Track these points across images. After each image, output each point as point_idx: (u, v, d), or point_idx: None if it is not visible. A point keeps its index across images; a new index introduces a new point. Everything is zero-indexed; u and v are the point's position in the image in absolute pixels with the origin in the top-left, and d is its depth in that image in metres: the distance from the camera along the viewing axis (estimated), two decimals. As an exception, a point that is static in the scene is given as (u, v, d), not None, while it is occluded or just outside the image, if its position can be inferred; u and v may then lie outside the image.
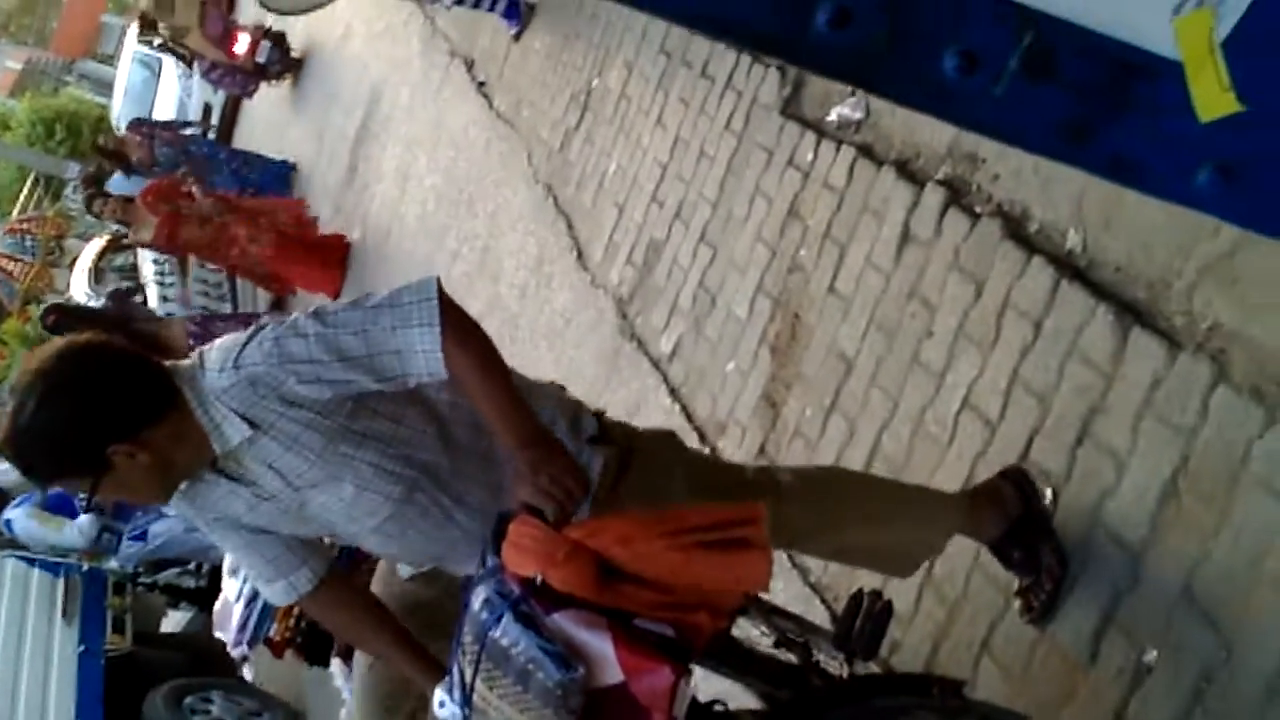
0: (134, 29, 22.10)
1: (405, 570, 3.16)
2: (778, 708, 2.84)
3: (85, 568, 9.40)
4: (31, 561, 9.25)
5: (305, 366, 2.78)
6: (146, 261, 14.12)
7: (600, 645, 2.30)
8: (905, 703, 2.76)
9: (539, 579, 2.38)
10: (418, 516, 2.95)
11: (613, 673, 2.29)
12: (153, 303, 13.72)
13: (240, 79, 16.52)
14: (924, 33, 1.55)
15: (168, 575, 11.29)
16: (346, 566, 4.00)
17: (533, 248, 7.52)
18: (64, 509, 9.35)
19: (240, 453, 2.86)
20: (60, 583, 9.10)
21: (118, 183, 14.81)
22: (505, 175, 8.30)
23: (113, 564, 9.75)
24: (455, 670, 2.44)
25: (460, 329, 2.78)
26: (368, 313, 2.79)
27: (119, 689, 8.32)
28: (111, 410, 2.76)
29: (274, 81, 16.70)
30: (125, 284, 15.10)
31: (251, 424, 2.81)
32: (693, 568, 2.36)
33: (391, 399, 2.87)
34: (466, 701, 2.39)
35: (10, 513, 9.37)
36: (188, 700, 8.46)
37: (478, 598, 2.39)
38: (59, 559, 9.56)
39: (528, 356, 7.09)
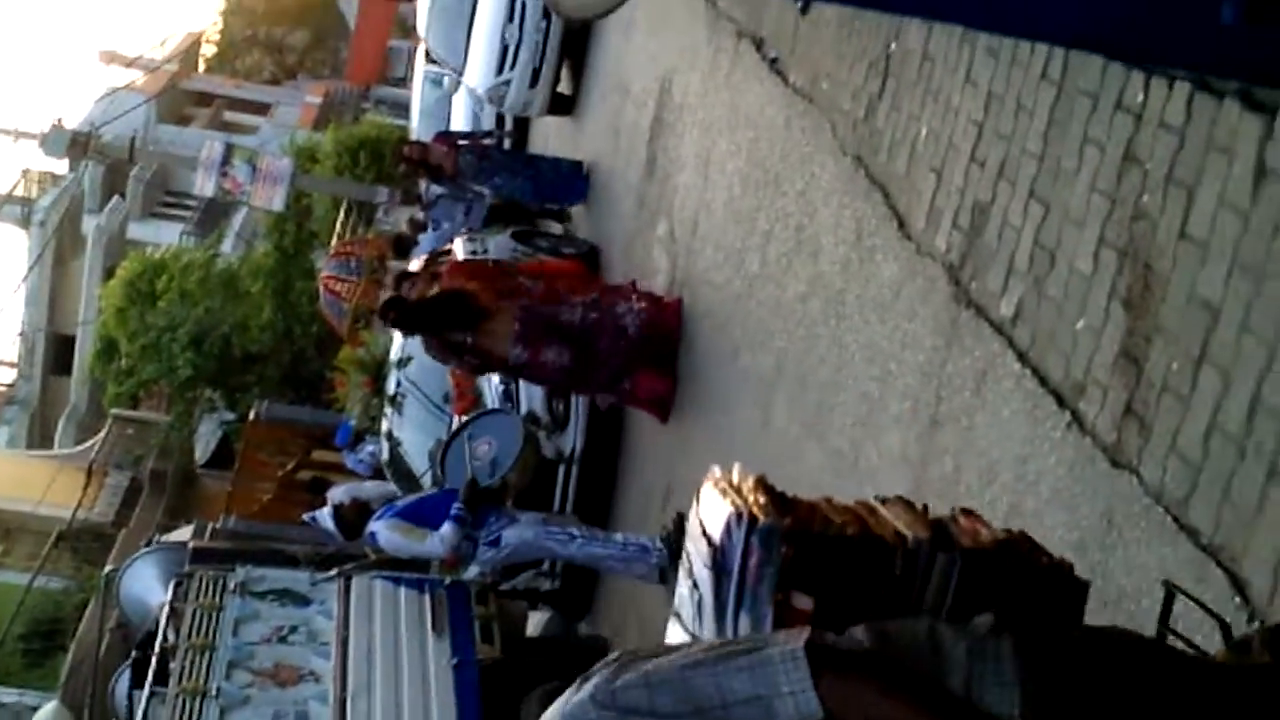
0: (421, 50, 22.86)
1: None
2: None
3: (448, 581, 9.67)
4: (397, 581, 9.59)
5: None
6: None
7: None
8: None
9: None
10: None
11: None
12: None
13: None
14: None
15: (524, 579, 11.57)
16: None
17: (849, 221, 7.40)
18: (425, 520, 9.53)
19: None
20: (426, 599, 9.42)
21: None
22: (811, 151, 8.19)
23: (472, 571, 9.98)
24: None
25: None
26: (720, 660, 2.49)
27: (494, 696, 8.55)
28: None
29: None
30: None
31: None
32: None
33: None
34: None
35: (374, 525, 9.57)
36: (562, 701, 8.63)
37: None
38: (420, 576, 9.88)
39: (859, 333, 6.99)
